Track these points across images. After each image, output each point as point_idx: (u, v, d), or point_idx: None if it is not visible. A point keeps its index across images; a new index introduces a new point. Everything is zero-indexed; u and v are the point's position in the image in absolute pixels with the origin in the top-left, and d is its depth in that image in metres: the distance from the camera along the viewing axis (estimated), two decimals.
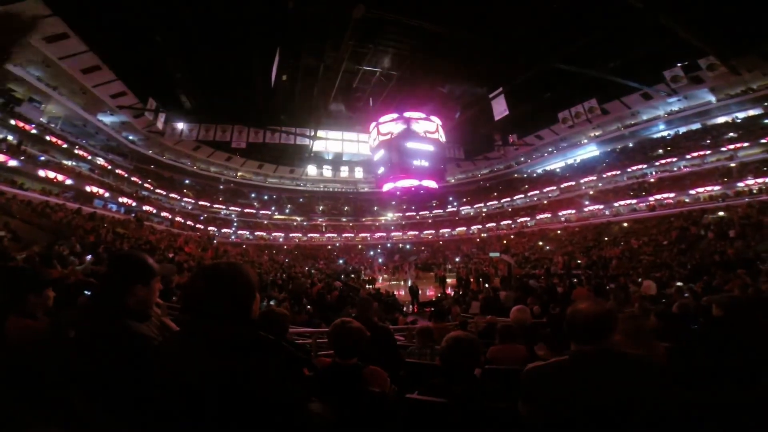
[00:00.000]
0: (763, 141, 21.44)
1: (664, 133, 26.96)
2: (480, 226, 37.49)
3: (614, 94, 23.77)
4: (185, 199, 33.04)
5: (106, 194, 24.22)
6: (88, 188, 22.71)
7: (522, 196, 35.68)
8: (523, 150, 32.77)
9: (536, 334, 3.61)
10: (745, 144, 22.20)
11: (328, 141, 20.65)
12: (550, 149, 33.45)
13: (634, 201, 26.87)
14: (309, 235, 39.18)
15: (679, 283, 8.99)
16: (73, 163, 22.81)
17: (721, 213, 20.45)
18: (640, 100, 24.67)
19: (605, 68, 15.39)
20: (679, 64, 15.81)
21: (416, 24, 10.91)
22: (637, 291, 8.29)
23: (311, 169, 38.29)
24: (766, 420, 1.25)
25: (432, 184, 13.06)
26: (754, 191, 20.72)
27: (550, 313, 5.44)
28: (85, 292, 3.44)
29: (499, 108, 14.41)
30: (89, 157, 24.03)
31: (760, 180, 20.81)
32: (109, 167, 25.66)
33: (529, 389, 1.45)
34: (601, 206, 28.79)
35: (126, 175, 27.16)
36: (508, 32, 12.05)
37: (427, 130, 12.57)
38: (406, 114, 12.49)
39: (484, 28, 11.67)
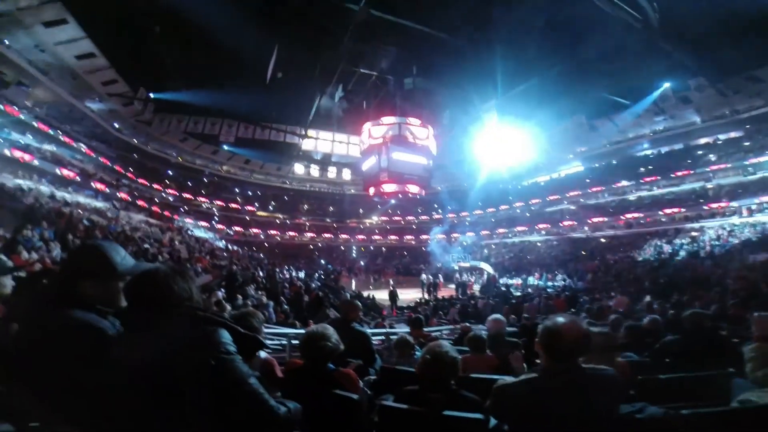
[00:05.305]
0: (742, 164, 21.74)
1: (648, 152, 27.32)
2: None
3: (603, 111, 23.83)
4: (167, 191, 32.24)
5: (85, 181, 23.42)
6: (65, 173, 21.89)
7: (506, 207, 36.10)
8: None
9: (508, 344, 3.66)
10: (724, 166, 22.54)
11: (318, 140, 20.59)
12: (536, 162, 33.85)
13: (613, 218, 27.45)
14: (291, 233, 38.71)
15: (648, 298, 9.22)
16: (54, 148, 22.05)
17: (694, 233, 21.11)
18: (627, 118, 24.58)
19: (598, 85, 15.65)
20: (668, 84, 15.98)
21: (419, 30, 10.97)
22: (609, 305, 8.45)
23: (298, 168, 37.99)
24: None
25: (420, 191, 13.12)
26: (726, 213, 21.22)
27: (524, 324, 5.48)
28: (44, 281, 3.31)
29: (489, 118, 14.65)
30: (71, 143, 23.23)
31: (735, 203, 20.86)
32: (92, 154, 24.82)
33: (498, 406, 1.47)
34: (581, 221, 29.36)
35: (108, 163, 26.34)
36: (508, 43, 12.22)
37: (418, 136, 12.57)
38: (399, 119, 12.47)
39: (486, 37, 11.81)
